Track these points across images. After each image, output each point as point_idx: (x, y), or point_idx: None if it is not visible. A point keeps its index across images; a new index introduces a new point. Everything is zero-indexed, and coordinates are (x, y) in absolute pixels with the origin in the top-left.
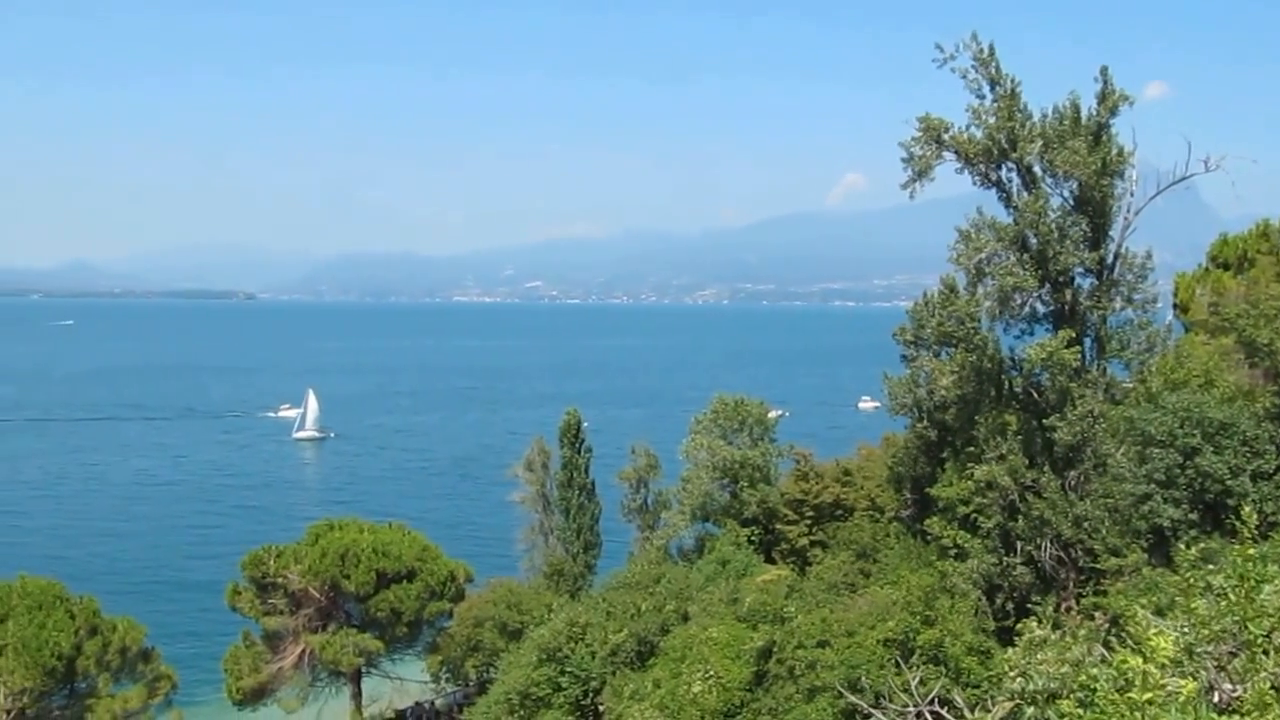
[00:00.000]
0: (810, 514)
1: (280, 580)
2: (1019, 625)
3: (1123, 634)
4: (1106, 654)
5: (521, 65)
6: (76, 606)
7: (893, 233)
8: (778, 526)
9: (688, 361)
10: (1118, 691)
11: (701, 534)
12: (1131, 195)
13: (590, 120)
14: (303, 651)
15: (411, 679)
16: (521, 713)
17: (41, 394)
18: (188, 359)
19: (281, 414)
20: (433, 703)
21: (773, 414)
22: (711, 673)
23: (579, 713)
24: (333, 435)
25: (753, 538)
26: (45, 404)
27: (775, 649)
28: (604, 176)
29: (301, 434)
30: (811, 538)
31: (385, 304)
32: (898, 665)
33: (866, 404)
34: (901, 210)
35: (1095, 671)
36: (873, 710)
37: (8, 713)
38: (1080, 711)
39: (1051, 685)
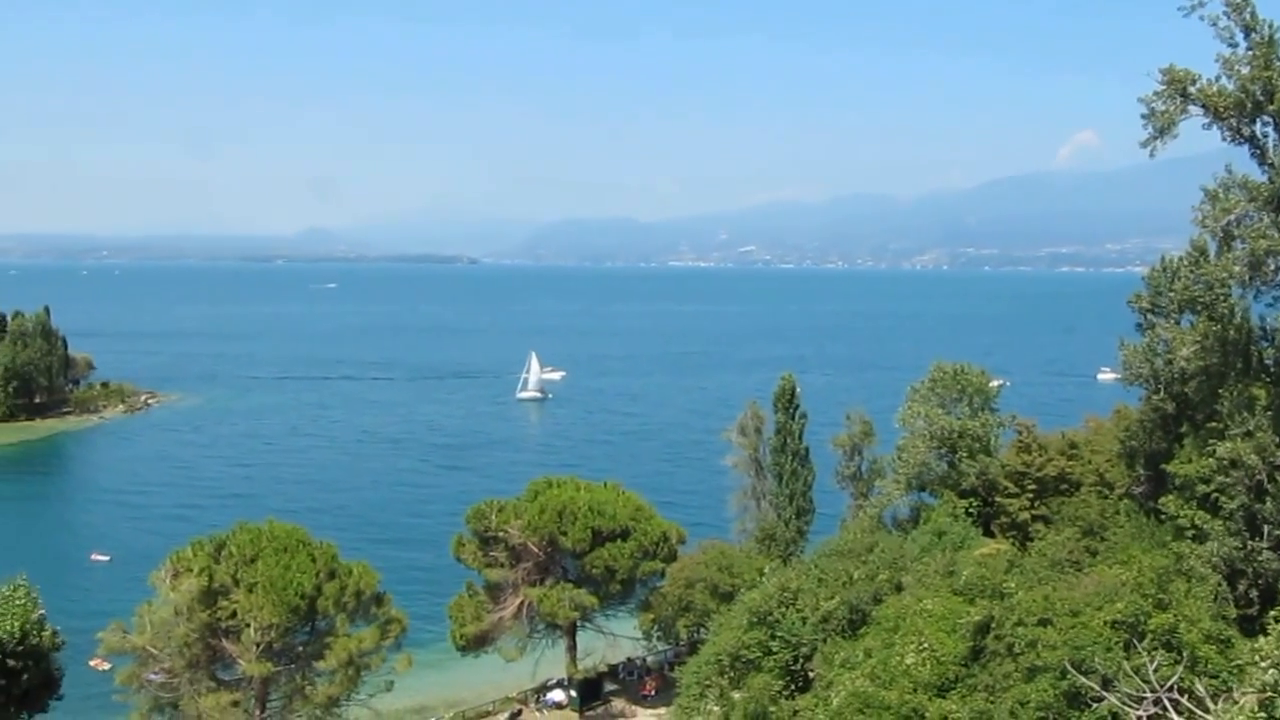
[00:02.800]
0: (1032, 487)
1: (502, 534)
2: (1273, 613)
3: None
4: None
5: (738, 29)
6: (317, 551)
7: (1127, 194)
8: (997, 499)
9: (905, 327)
10: None
11: (917, 504)
12: None
13: (805, 84)
14: (521, 603)
15: (624, 635)
16: (731, 674)
17: (293, 351)
18: (425, 320)
19: (545, 376)
20: (644, 659)
21: (994, 383)
22: (925, 645)
23: (789, 677)
24: (551, 396)
25: (970, 509)
26: (294, 361)
27: (993, 625)
28: (820, 140)
29: (524, 394)
30: (1033, 512)
31: (602, 269)
32: (1127, 649)
33: (1106, 375)
34: (1138, 170)
35: None
36: (1104, 693)
37: (257, 645)
38: None
39: None
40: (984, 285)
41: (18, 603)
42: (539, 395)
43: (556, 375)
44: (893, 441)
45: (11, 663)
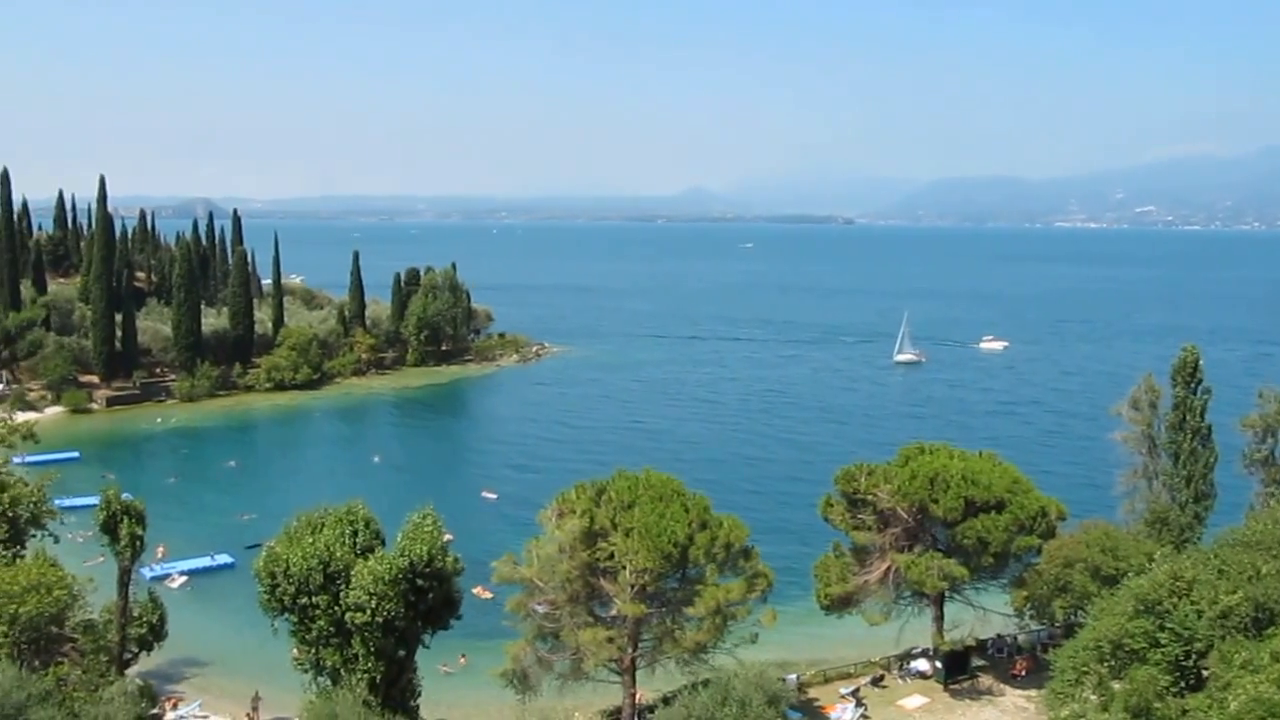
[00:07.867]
0: None
1: (870, 497)
2: None
3: None
4: None
5: None
6: (690, 501)
7: None
8: None
9: None
10: None
11: None
12: None
13: (1219, 25)
14: (888, 568)
15: (994, 610)
16: (1112, 663)
17: (676, 308)
18: (804, 280)
19: (984, 345)
20: (1015, 637)
21: None
22: None
23: (1177, 673)
24: (926, 360)
25: None
26: (675, 318)
27: None
28: (1239, 86)
29: (901, 357)
30: None
31: (983, 229)
32: None
33: None
34: None
35: None
36: None
37: (632, 586)
38: None
39: None
40: None
41: (426, 529)
42: (915, 358)
43: (999, 345)
44: None
45: (420, 582)
